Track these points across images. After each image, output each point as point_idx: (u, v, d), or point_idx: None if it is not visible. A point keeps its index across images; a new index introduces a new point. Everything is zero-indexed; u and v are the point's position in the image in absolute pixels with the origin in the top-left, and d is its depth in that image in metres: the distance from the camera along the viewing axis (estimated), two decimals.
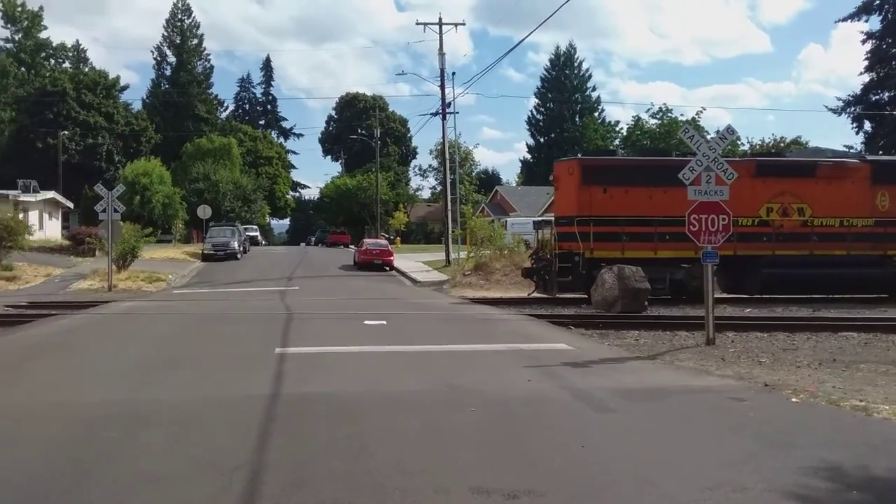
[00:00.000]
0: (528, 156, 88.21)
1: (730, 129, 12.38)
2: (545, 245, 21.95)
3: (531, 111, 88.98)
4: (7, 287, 25.32)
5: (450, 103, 38.35)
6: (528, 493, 4.66)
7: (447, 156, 39.85)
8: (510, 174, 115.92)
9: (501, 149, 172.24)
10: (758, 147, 49.00)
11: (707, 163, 11.81)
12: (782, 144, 48.36)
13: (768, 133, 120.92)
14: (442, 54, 37.96)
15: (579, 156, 23.68)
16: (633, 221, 20.05)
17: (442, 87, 37.60)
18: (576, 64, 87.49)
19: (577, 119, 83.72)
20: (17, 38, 79.79)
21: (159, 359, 10.21)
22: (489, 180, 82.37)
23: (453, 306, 18.96)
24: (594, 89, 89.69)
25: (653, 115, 53.29)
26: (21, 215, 35.65)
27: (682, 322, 14.61)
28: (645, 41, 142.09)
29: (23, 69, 77.63)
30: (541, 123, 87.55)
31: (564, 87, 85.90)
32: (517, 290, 22.75)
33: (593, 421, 6.82)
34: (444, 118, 37.99)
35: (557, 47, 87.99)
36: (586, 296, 20.19)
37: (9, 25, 79.37)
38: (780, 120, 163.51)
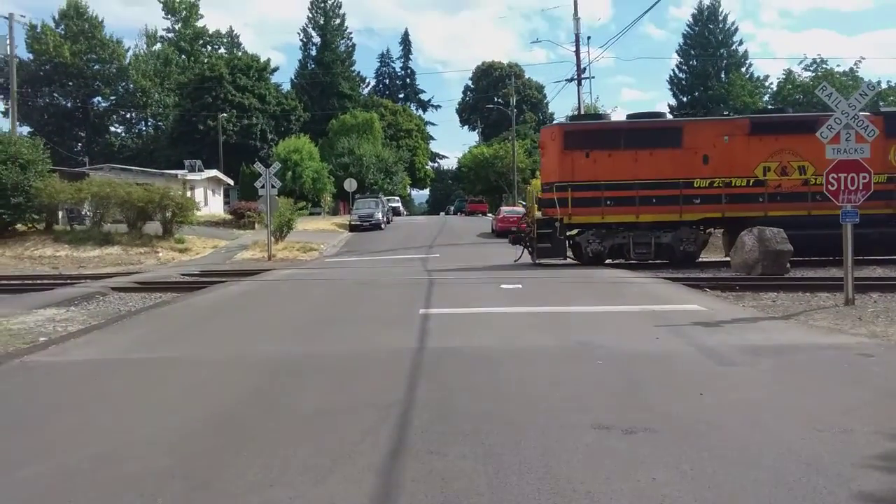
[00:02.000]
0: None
1: (870, 85, 11.98)
2: (530, 212, 22.13)
3: (673, 70, 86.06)
4: (181, 258, 28.10)
5: (585, 68, 38.22)
6: (645, 430, 5.21)
7: None
8: None
9: (642, 110, 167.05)
10: None
11: (846, 120, 11.56)
12: None
13: None
14: (577, 19, 37.78)
15: (563, 121, 23.79)
16: (614, 186, 19.93)
17: (577, 52, 37.51)
18: (720, 17, 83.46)
19: (722, 75, 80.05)
20: (176, 27, 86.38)
21: (318, 318, 11.36)
22: None
23: (587, 271, 19.30)
24: (741, 43, 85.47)
25: (806, 68, 50.38)
26: (189, 193, 39.16)
27: (824, 283, 14.34)
28: None
29: (183, 57, 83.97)
30: (683, 82, 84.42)
31: (709, 42, 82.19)
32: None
33: (715, 373, 7.17)
34: (578, 84, 37.91)
35: (700, 1, 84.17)
36: (576, 260, 20.92)
37: (169, 16, 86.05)
38: None
